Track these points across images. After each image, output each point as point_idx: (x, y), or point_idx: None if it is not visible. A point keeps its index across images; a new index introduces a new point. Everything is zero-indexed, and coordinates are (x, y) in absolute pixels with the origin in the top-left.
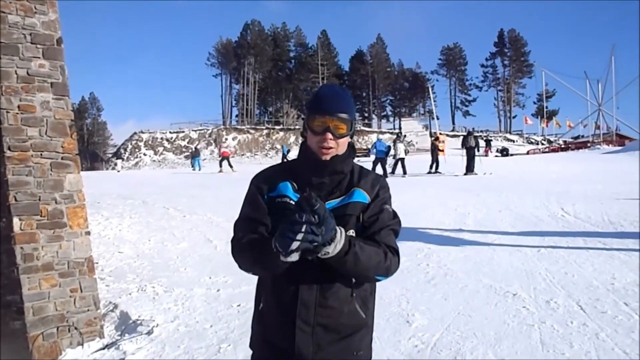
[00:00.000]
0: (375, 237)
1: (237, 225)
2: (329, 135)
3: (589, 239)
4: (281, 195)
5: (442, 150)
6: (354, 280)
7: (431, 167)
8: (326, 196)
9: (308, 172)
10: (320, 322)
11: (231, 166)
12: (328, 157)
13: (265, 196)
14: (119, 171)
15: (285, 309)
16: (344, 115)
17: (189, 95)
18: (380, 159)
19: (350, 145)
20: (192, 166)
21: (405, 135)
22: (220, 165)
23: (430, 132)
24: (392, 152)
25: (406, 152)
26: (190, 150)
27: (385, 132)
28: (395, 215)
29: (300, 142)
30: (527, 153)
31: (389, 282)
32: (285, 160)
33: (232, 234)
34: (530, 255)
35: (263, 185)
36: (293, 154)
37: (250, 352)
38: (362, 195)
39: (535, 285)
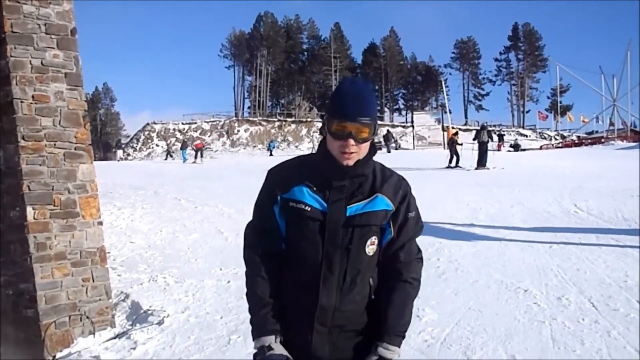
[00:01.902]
0: (399, 254)
1: (249, 229)
2: (351, 142)
3: (602, 236)
4: (296, 200)
5: (460, 144)
6: (371, 283)
7: (450, 161)
8: (348, 199)
9: (328, 174)
10: (337, 323)
11: (202, 157)
12: (350, 163)
13: (278, 196)
14: (118, 160)
15: (305, 310)
16: (366, 120)
17: (202, 87)
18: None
19: (372, 144)
20: (183, 158)
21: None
22: (195, 157)
23: (443, 126)
24: None
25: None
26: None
27: (397, 126)
28: (418, 219)
29: (316, 138)
30: (540, 148)
31: None
32: (271, 156)
33: (242, 227)
34: (542, 251)
35: (277, 185)
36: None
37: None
38: (384, 203)
39: (547, 281)
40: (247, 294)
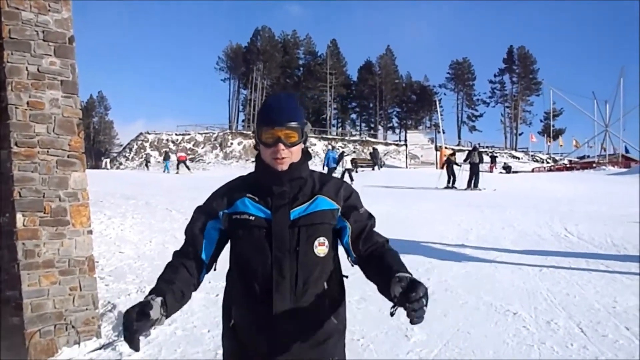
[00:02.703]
0: (372, 239)
1: (185, 233)
2: (281, 146)
3: (592, 261)
4: (239, 212)
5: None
6: (325, 286)
7: (448, 181)
8: (291, 203)
9: (267, 183)
10: (295, 330)
11: (188, 168)
12: (284, 167)
13: (221, 212)
14: (107, 169)
15: (260, 320)
16: (293, 124)
17: (197, 99)
18: (332, 169)
19: (305, 151)
20: (164, 169)
21: (344, 153)
22: (178, 168)
23: (436, 146)
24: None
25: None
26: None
27: (390, 144)
28: (369, 212)
29: (312, 150)
30: (532, 171)
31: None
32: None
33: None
34: (532, 275)
35: (220, 202)
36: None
37: None
38: (327, 203)
39: (536, 305)
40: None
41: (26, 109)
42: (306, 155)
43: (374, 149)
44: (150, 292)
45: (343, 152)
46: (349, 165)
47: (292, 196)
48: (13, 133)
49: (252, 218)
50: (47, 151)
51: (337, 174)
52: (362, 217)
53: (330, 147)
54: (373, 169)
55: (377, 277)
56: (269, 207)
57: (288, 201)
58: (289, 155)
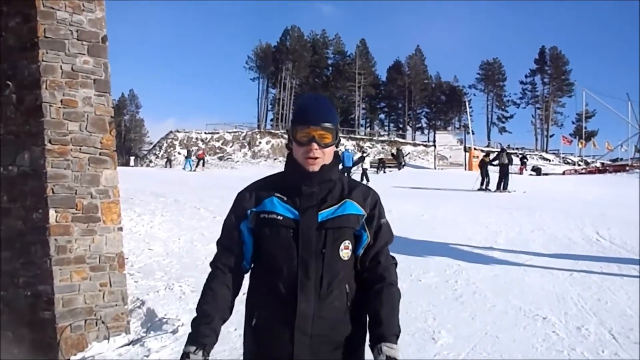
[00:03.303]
0: (379, 258)
1: (217, 244)
2: (315, 146)
3: (624, 266)
4: (267, 211)
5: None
6: (347, 290)
7: (482, 183)
8: (319, 204)
9: (297, 182)
10: (318, 332)
11: (204, 165)
12: (316, 168)
13: (249, 211)
14: (132, 166)
15: (284, 321)
16: (328, 125)
17: (226, 98)
18: (348, 168)
19: (336, 154)
20: (184, 166)
21: (365, 155)
22: (197, 165)
23: (465, 147)
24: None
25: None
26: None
27: (419, 144)
28: (389, 226)
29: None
30: (563, 173)
31: (416, 297)
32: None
33: None
34: (562, 279)
35: (248, 201)
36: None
37: None
38: (354, 207)
39: (567, 310)
40: (197, 306)
41: (60, 107)
42: (337, 158)
43: (397, 149)
44: (192, 339)
45: (364, 155)
46: (366, 166)
47: (321, 198)
48: (47, 131)
49: (279, 217)
50: (80, 149)
51: (353, 174)
52: (382, 230)
53: (344, 147)
54: (398, 169)
55: (370, 322)
56: (297, 207)
57: (316, 203)
58: (322, 156)
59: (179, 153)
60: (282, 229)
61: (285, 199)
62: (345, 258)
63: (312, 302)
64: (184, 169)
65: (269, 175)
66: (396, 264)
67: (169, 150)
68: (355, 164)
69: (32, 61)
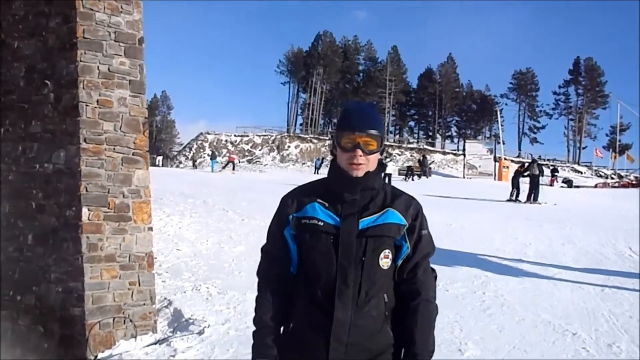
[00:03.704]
0: (417, 270)
1: (262, 252)
2: (359, 152)
3: None
4: (308, 217)
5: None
6: (386, 299)
7: (512, 194)
8: (361, 212)
9: (339, 189)
10: (353, 341)
11: (233, 169)
12: (360, 174)
13: (290, 216)
14: (158, 166)
15: (320, 327)
16: (373, 132)
17: (257, 101)
18: None
19: (380, 162)
20: (212, 168)
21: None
22: (224, 167)
23: (495, 157)
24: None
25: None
26: (208, 154)
27: (448, 153)
28: (431, 237)
29: (330, 159)
30: (595, 186)
31: (443, 307)
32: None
33: None
34: (594, 294)
35: (290, 206)
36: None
37: None
38: (396, 217)
39: (597, 326)
40: (253, 318)
41: (95, 107)
42: (381, 166)
43: (423, 156)
44: (260, 351)
45: (382, 161)
46: (389, 171)
47: (363, 205)
48: (82, 130)
49: (320, 224)
50: (114, 148)
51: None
52: (422, 241)
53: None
54: (420, 177)
55: (404, 338)
56: (339, 214)
57: (358, 210)
58: (366, 163)
59: (208, 155)
60: (322, 235)
61: (327, 205)
62: (385, 267)
63: (349, 310)
64: (212, 170)
65: (313, 181)
66: (436, 276)
67: (198, 151)
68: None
69: (70, 61)
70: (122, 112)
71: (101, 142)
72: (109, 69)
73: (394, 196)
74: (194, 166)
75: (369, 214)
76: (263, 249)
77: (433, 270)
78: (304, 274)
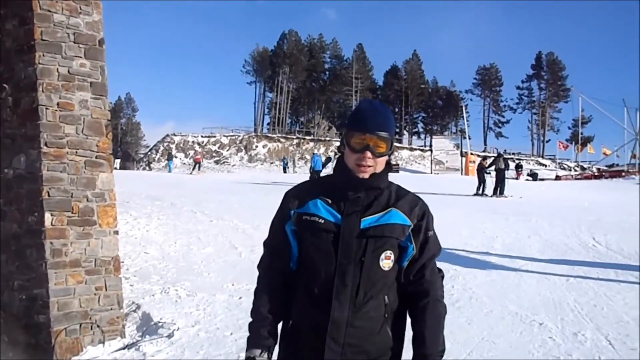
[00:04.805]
0: (424, 271)
1: (264, 246)
2: (368, 154)
3: (621, 272)
4: (310, 213)
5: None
6: (386, 301)
7: (478, 188)
8: (363, 211)
9: (344, 187)
10: (350, 342)
11: (199, 169)
12: (366, 176)
13: (292, 211)
14: (116, 168)
15: (316, 327)
16: (384, 134)
17: (223, 101)
18: (318, 171)
19: (387, 162)
20: (169, 168)
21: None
22: (193, 169)
23: (462, 152)
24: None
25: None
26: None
27: (415, 149)
28: (437, 238)
29: (333, 154)
30: (558, 178)
31: None
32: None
33: (257, 243)
34: (559, 285)
35: (292, 202)
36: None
37: None
38: (399, 217)
39: (563, 316)
40: (251, 309)
41: (56, 110)
42: (388, 167)
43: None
44: (255, 342)
45: (329, 157)
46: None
47: (366, 204)
48: (43, 133)
49: (321, 221)
50: (76, 152)
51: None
52: (429, 242)
53: (316, 150)
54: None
55: (413, 339)
56: (341, 212)
57: (361, 209)
58: (374, 165)
59: (175, 157)
60: (322, 233)
61: (330, 201)
62: (386, 268)
63: (346, 310)
64: (169, 171)
65: (318, 177)
66: (443, 276)
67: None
68: (324, 166)
69: (28, 64)
70: (83, 114)
71: (63, 146)
72: (69, 71)
73: (399, 196)
74: (149, 168)
75: (372, 213)
76: (265, 243)
77: (440, 270)
78: (303, 271)
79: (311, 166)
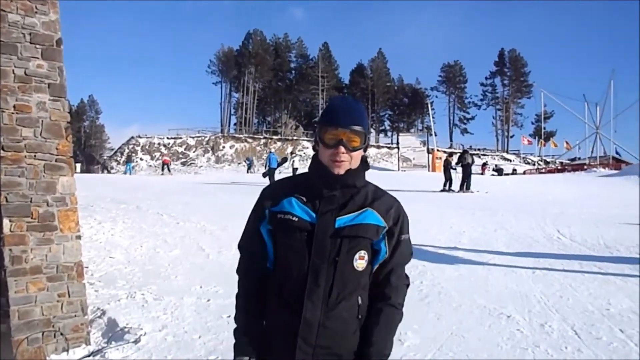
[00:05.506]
0: (390, 277)
1: (240, 249)
2: (342, 149)
3: (585, 263)
4: (284, 212)
5: (454, 168)
6: (359, 302)
7: (445, 184)
8: (338, 210)
9: (319, 185)
10: (322, 343)
11: (169, 171)
12: (341, 171)
13: (267, 210)
14: (77, 172)
15: (288, 327)
16: (357, 128)
17: (189, 102)
18: (273, 169)
19: (364, 160)
20: (125, 171)
21: (295, 154)
22: (162, 170)
23: (428, 148)
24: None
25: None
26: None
27: (382, 147)
28: (410, 243)
29: (290, 155)
30: (513, 172)
31: None
32: (248, 172)
33: (224, 244)
34: (525, 277)
35: (267, 201)
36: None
37: None
38: (374, 217)
39: (530, 307)
40: (234, 315)
41: (13, 113)
42: (364, 164)
43: None
44: (241, 349)
45: (292, 152)
46: (297, 165)
47: (342, 203)
48: None
49: (295, 219)
50: (34, 155)
51: (282, 173)
52: (400, 246)
53: (272, 149)
54: None
55: (361, 339)
56: (316, 210)
57: (336, 207)
58: (348, 160)
59: (141, 159)
60: (296, 232)
61: (304, 200)
62: (360, 269)
63: (318, 310)
64: (128, 173)
65: (294, 175)
66: (408, 284)
67: (129, 156)
68: (279, 164)
69: None
70: (42, 117)
71: (20, 149)
72: (25, 72)
73: (375, 196)
74: (108, 171)
75: (347, 212)
76: (240, 246)
77: (407, 277)
78: (277, 270)
79: (266, 164)
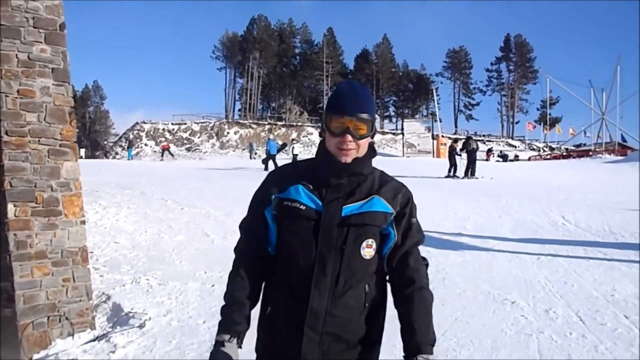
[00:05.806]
0: (408, 259)
1: (241, 229)
2: (349, 137)
3: (590, 249)
4: (291, 199)
5: (459, 154)
6: (367, 290)
7: (449, 170)
8: (345, 198)
9: (326, 173)
10: (329, 330)
11: (172, 155)
12: (348, 160)
13: (273, 196)
14: (82, 157)
15: (294, 315)
16: (364, 116)
17: (193, 88)
18: (273, 155)
19: (371, 146)
20: (129, 156)
21: (296, 140)
22: (162, 156)
23: (433, 134)
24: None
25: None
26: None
27: (387, 133)
28: (420, 226)
29: (290, 141)
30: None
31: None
32: (251, 158)
33: (229, 229)
34: (530, 263)
35: (274, 186)
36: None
37: (254, 355)
38: (382, 204)
39: (534, 293)
40: (224, 293)
41: (16, 97)
42: (372, 151)
43: None
44: (225, 327)
45: (285, 143)
46: (297, 152)
47: (349, 191)
48: (3, 122)
49: (302, 207)
50: (39, 140)
51: (283, 160)
52: (412, 230)
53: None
54: None
55: (402, 329)
56: (322, 198)
57: (343, 195)
58: (355, 148)
59: (146, 144)
60: (303, 220)
61: (311, 187)
62: (367, 257)
63: (325, 299)
64: (129, 159)
65: (301, 161)
66: (427, 264)
67: (134, 141)
68: (279, 151)
69: None
70: (45, 102)
71: (25, 134)
72: (29, 56)
73: (382, 183)
74: (106, 157)
75: (354, 201)
76: (241, 226)
77: (424, 258)
78: (283, 258)
79: (267, 150)
